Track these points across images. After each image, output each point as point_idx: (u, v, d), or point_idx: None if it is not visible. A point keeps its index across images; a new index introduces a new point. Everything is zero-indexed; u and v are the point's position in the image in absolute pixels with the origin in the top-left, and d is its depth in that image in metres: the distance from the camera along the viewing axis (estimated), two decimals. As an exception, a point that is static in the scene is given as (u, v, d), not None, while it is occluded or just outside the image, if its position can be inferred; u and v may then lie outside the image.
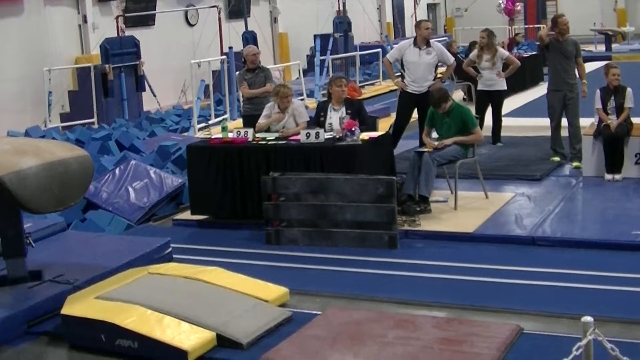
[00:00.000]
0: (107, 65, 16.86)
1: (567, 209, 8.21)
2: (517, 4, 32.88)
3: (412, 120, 10.50)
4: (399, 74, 10.54)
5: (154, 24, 21.32)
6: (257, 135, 8.66)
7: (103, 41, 17.26)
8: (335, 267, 6.85)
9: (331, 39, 22.11)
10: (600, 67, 10.43)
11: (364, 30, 29.54)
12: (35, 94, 17.06)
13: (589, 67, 22.09)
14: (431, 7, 39.71)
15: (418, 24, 10.37)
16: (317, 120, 8.91)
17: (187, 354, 5.00)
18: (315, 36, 22.39)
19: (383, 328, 5.24)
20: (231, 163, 8.33)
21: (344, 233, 7.42)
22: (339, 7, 26.66)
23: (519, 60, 12.55)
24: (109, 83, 16.91)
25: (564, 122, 10.14)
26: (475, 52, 11.96)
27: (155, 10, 21.24)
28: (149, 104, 18.56)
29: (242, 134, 8.56)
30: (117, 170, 9.41)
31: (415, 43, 10.10)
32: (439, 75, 10.57)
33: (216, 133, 10.42)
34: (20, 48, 17.40)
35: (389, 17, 34.16)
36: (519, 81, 16.56)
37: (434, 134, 8.96)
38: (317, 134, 8.09)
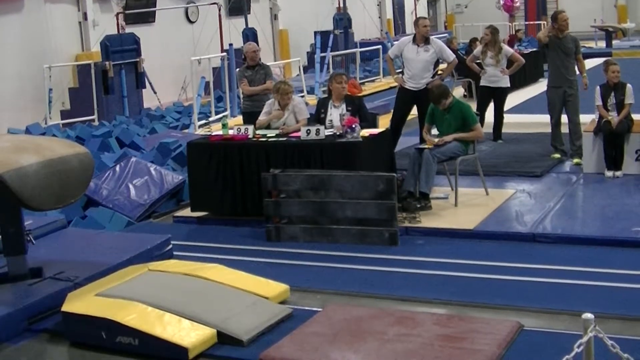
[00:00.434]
0: (107, 63, 16.85)
1: (568, 205, 8.21)
2: (516, 0, 32.82)
3: (411, 117, 10.51)
4: (400, 70, 10.58)
5: (154, 21, 21.31)
6: (258, 132, 8.65)
7: (103, 38, 17.26)
8: (336, 264, 6.86)
9: (331, 36, 22.11)
10: (600, 64, 10.41)
11: (364, 27, 29.53)
12: (36, 91, 17.05)
13: (590, 63, 22.06)
14: (431, 4, 39.67)
15: (416, 22, 10.39)
16: (318, 117, 8.90)
17: (187, 351, 5.01)
18: (315, 33, 22.37)
19: (383, 325, 5.24)
20: (231, 160, 8.33)
21: (345, 230, 7.41)
22: (339, 4, 26.67)
23: (524, 59, 12.53)
24: (109, 80, 16.90)
25: (564, 118, 10.15)
26: (479, 48, 11.99)
27: (155, 7, 21.23)
28: (149, 101, 18.56)
29: (243, 130, 8.56)
30: (117, 168, 9.41)
31: (414, 40, 10.12)
32: (439, 72, 10.57)
33: (216, 130, 10.44)
34: (21, 45, 17.39)
35: (389, 14, 34.13)
36: (519, 78, 16.55)
37: (434, 131, 8.95)
38: (318, 131, 8.08)
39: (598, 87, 9.44)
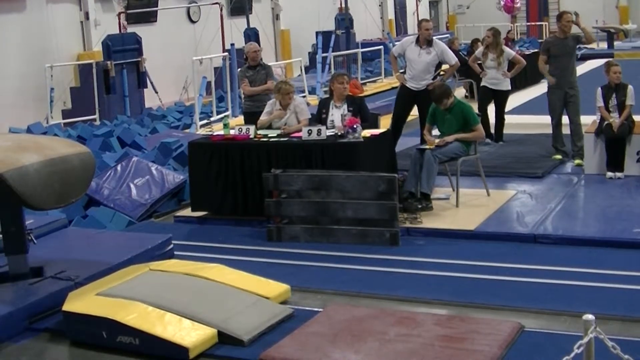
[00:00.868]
0: (109, 62, 16.85)
1: (569, 206, 8.21)
2: (517, 1, 32.80)
3: (412, 117, 10.54)
4: (403, 70, 10.63)
5: (155, 21, 21.31)
6: (259, 132, 8.66)
7: (105, 38, 17.25)
8: (337, 264, 6.86)
9: (333, 36, 22.10)
10: (602, 65, 10.41)
11: (366, 27, 29.50)
12: (37, 91, 17.05)
13: (591, 64, 22.16)
14: (433, 4, 39.65)
15: (419, 24, 10.46)
16: (319, 117, 8.91)
17: (188, 350, 5.01)
18: (317, 33, 22.35)
19: (384, 325, 5.24)
20: (233, 160, 8.33)
21: (346, 230, 7.42)
22: (340, 4, 26.63)
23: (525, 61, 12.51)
24: (111, 80, 16.89)
25: (565, 119, 10.14)
26: (481, 49, 11.98)
27: (157, 6, 21.23)
28: (150, 100, 18.56)
29: (244, 130, 8.57)
30: (118, 167, 9.41)
31: (417, 41, 10.15)
32: (441, 73, 10.60)
33: (218, 130, 10.44)
34: (22, 44, 17.39)
35: (390, 14, 34.10)
36: (520, 79, 16.54)
37: (436, 131, 8.95)
38: (319, 131, 8.08)
39: (599, 88, 9.43)
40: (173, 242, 7.23)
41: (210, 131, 13.15)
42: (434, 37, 10.32)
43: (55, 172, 5.94)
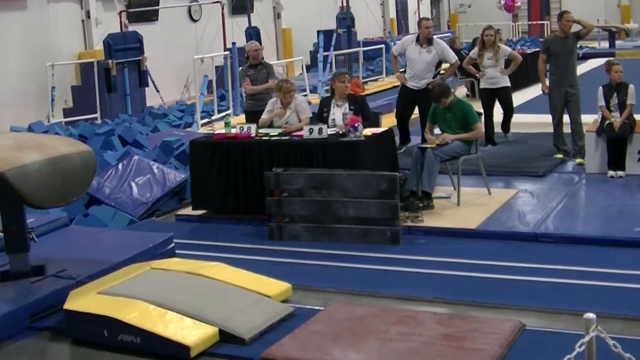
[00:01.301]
0: (110, 61, 16.83)
1: (570, 205, 8.20)
2: (518, 0, 32.75)
3: (414, 116, 10.56)
4: (403, 69, 10.64)
5: (157, 20, 21.31)
6: (260, 130, 8.66)
7: (106, 36, 17.24)
8: (338, 262, 6.86)
9: (334, 35, 22.10)
10: (603, 64, 10.40)
11: (367, 26, 29.49)
12: (38, 89, 17.05)
13: (592, 64, 22.13)
14: (435, 3, 39.62)
15: (419, 22, 10.49)
16: (320, 116, 8.91)
17: (189, 349, 5.01)
18: (318, 32, 22.33)
19: (385, 324, 5.24)
20: (234, 159, 8.33)
21: (347, 229, 7.42)
22: (342, 3, 26.65)
23: (521, 57, 12.50)
24: (112, 78, 16.88)
25: (566, 118, 10.14)
26: (475, 50, 11.89)
27: (158, 5, 21.23)
28: (152, 99, 18.55)
29: (245, 129, 8.57)
30: (119, 166, 9.42)
31: (417, 40, 10.17)
32: (441, 72, 10.60)
33: (219, 129, 10.44)
34: (24, 43, 17.39)
35: (392, 13, 34.08)
36: (521, 78, 16.53)
37: (437, 130, 8.95)
38: (320, 130, 8.08)
39: (601, 88, 9.43)
40: (174, 240, 7.22)
41: (211, 130, 13.15)
42: (434, 36, 10.33)
43: (57, 170, 5.94)
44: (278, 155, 8.09)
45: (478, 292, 5.95)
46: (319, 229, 7.53)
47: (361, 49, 22.52)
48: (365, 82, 20.92)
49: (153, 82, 18.48)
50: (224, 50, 18.22)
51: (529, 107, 14.84)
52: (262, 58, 10.71)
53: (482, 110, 10.13)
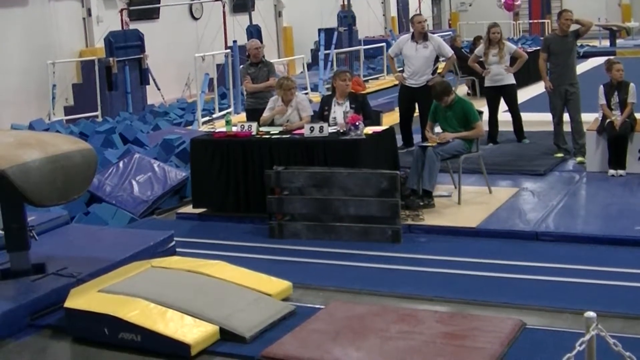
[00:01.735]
0: (111, 59, 16.83)
1: (571, 204, 8.20)
2: (518, -2, 32.73)
3: (415, 115, 10.57)
4: (401, 69, 10.64)
5: (158, 17, 21.31)
6: (261, 129, 8.66)
7: (107, 34, 17.25)
8: (339, 261, 6.86)
9: (335, 33, 22.09)
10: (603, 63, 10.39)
11: (369, 25, 29.49)
12: (39, 87, 17.05)
13: (593, 62, 22.12)
14: (436, 2, 39.61)
15: (412, 19, 10.54)
16: (321, 114, 8.91)
17: (190, 347, 5.02)
18: (319, 30, 22.33)
19: (386, 322, 5.25)
20: (235, 157, 8.33)
21: (347, 227, 7.42)
22: (343, 1, 26.62)
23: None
24: (113, 76, 16.88)
25: (567, 117, 10.14)
26: (481, 47, 11.84)
27: (159, 3, 21.22)
28: (153, 97, 18.55)
29: (246, 127, 8.57)
30: (120, 164, 9.42)
31: (412, 37, 10.20)
32: (439, 71, 10.60)
33: (220, 127, 10.43)
34: (25, 41, 17.40)
35: (393, 11, 34.09)
36: (522, 76, 16.49)
37: (438, 129, 8.95)
38: (321, 128, 8.08)
39: (601, 86, 9.42)
40: (175, 239, 7.23)
41: (212, 128, 13.14)
42: (428, 32, 10.38)
43: (57, 168, 5.94)
44: (279, 153, 8.09)
45: (478, 291, 5.96)
46: (319, 227, 7.53)
47: (362, 47, 22.51)
48: (366, 81, 20.92)
49: (154, 80, 18.47)
50: (225, 49, 18.22)
51: (530, 105, 14.82)
52: (263, 56, 10.71)
53: (483, 109, 10.11)
